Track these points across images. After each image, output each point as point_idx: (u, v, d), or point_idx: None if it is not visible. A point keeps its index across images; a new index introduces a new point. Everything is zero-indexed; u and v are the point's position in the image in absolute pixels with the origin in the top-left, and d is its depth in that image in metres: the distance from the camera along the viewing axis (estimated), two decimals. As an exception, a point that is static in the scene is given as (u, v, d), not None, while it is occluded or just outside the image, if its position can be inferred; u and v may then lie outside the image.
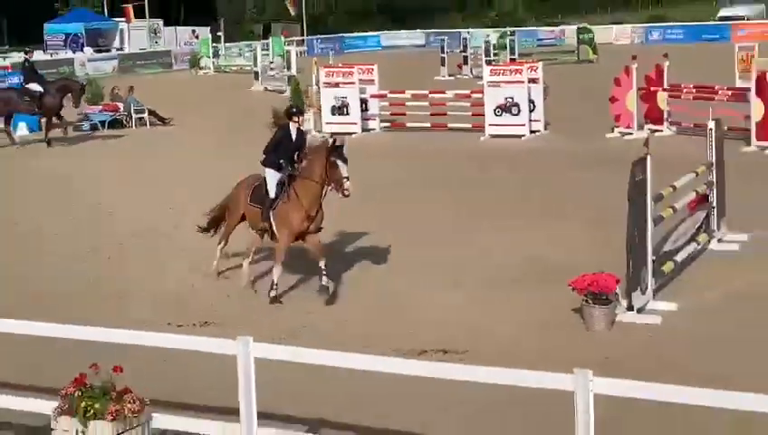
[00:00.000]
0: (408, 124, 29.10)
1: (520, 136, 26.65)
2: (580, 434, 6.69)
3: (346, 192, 12.51)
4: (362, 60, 38.14)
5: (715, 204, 14.60)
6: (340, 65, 32.01)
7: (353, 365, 7.91)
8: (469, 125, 27.72)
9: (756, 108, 23.14)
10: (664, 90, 26.23)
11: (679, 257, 13.22)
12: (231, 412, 8.05)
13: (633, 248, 11.62)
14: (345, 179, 12.45)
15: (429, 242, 15.48)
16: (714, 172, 14.60)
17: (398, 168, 22.36)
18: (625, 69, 26.44)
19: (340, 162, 12.51)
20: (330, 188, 12.66)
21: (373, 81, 29.70)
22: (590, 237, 15.01)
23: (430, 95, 29.94)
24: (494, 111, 27.06)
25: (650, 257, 12.08)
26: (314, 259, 12.94)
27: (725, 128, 17.65)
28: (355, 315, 12.41)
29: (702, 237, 14.18)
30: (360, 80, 29.36)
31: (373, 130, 29.49)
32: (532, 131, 27.04)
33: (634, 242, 11.65)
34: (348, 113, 29.15)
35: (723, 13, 72.20)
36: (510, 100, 27.00)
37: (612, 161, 19.05)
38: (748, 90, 24.05)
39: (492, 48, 48.41)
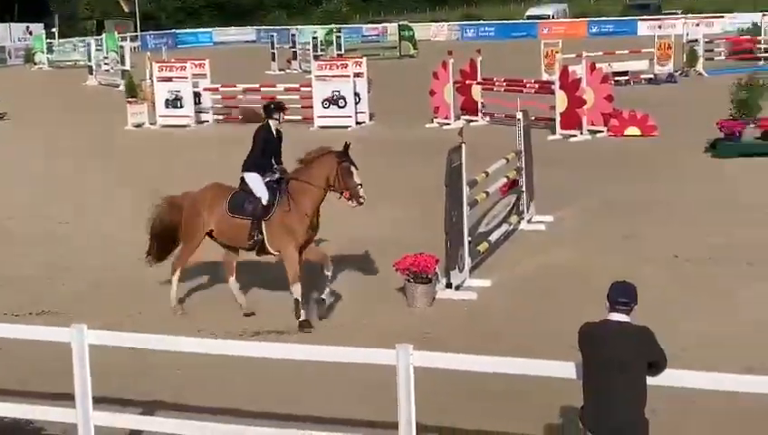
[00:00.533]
0: (241, 116, 28.85)
1: (347, 127, 26.80)
2: (402, 405, 6.77)
3: (361, 200, 11.07)
4: (195, 55, 37.51)
5: (524, 188, 15.00)
6: (173, 60, 31.50)
7: (181, 348, 7.78)
8: (299, 117, 27.69)
9: (560, 99, 23.92)
10: (478, 83, 26.83)
11: (493, 238, 13.54)
12: (69, 398, 7.79)
13: (451, 230, 11.82)
14: (360, 187, 11.01)
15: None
16: (522, 159, 15.00)
17: (232, 157, 22.12)
18: (442, 64, 26.90)
19: (353, 168, 10.98)
20: (339, 196, 11.10)
21: (206, 75, 29.42)
22: (413, 218, 15.21)
23: (261, 88, 29.78)
24: (323, 103, 27.17)
25: (467, 238, 12.32)
26: (319, 263, 11.27)
27: (533, 118, 18.19)
28: (193, 301, 12.18)
29: (513, 219, 14.56)
30: (193, 74, 29.03)
31: (206, 122, 29.20)
32: (358, 122, 27.26)
33: (451, 224, 11.85)
34: (182, 106, 28.76)
35: (530, 12, 74.30)
36: (337, 93, 27.17)
37: (431, 149, 19.33)
38: (553, 83, 24.85)
39: (319, 44, 48.52)
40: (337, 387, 8.96)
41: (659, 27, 49.74)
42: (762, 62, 37.99)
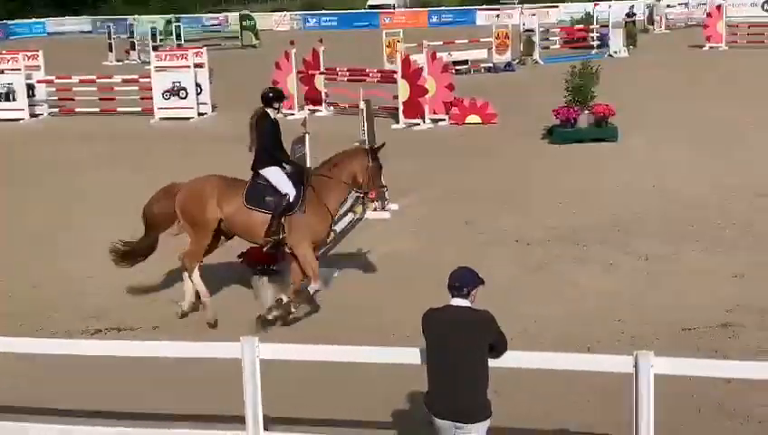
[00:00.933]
0: (78, 109, 28.05)
1: (188, 118, 26.41)
2: (249, 398, 6.73)
3: (387, 203, 10.57)
4: (28, 46, 36.20)
5: (368, 177, 15.08)
6: (3, 52, 30.33)
7: (15, 349, 7.53)
8: (139, 109, 27.16)
9: (402, 89, 24.18)
10: (321, 73, 26.83)
11: (339, 227, 13.57)
12: None
13: (296, 221, 11.78)
14: (385, 188, 10.63)
15: (99, 220, 14.99)
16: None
17: (74, 150, 21.53)
18: (284, 54, 26.79)
19: (382, 168, 10.65)
20: (364, 195, 10.69)
21: (39, 66, 28.43)
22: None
23: (98, 80, 28.98)
24: (163, 94, 26.64)
25: (312, 228, 12.30)
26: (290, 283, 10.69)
27: (376, 107, 18.35)
28: (32, 301, 11.78)
29: (358, 208, 14.64)
30: (26, 66, 27.99)
31: (41, 115, 28.22)
32: (200, 114, 26.87)
33: (296, 215, 11.81)
34: (14, 99, 27.70)
35: (371, 2, 74.75)
36: (177, 84, 26.70)
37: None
38: (395, 72, 25.08)
39: (158, 34, 47.63)
40: (182, 383, 8.83)
41: (497, 17, 50.83)
42: (594, 51, 39.34)
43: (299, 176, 10.64)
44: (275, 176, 10.52)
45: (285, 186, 10.47)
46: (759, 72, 31.24)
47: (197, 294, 10.85)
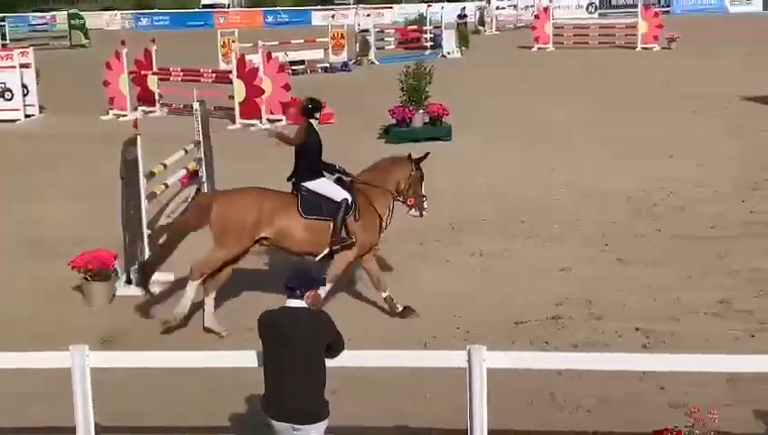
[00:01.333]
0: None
1: (14, 120, 25.53)
2: (78, 407, 6.52)
3: (425, 212, 10.74)
4: None
5: (204, 178, 14.89)
6: None
7: None
8: (-40, 111, 26.11)
9: (238, 89, 24.00)
10: (153, 73, 26.35)
11: (174, 230, 13.31)
12: None
13: (129, 224, 11.55)
14: (425, 197, 10.65)
15: None
16: (202, 149, 14.89)
17: None
18: (115, 53, 26.17)
19: (423, 177, 10.71)
20: (402, 203, 10.58)
21: None
22: (92, 214, 14.71)
23: None
24: (-13, 96, 25.69)
25: (146, 232, 12.04)
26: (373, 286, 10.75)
27: (212, 108, 18.13)
28: None
29: (194, 210, 14.40)
30: None
31: None
32: (26, 115, 26.03)
33: (129, 218, 11.58)
34: None
35: (205, 1, 73.91)
36: (2, 85, 25.80)
37: (108, 142, 18.76)
38: (230, 72, 24.87)
39: (-19, 33, 45.89)
40: (11, 396, 8.51)
41: (332, 17, 51.04)
42: (428, 51, 40.00)
43: (344, 182, 10.58)
44: (326, 187, 10.43)
45: (339, 193, 10.37)
46: (583, 71, 32.48)
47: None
